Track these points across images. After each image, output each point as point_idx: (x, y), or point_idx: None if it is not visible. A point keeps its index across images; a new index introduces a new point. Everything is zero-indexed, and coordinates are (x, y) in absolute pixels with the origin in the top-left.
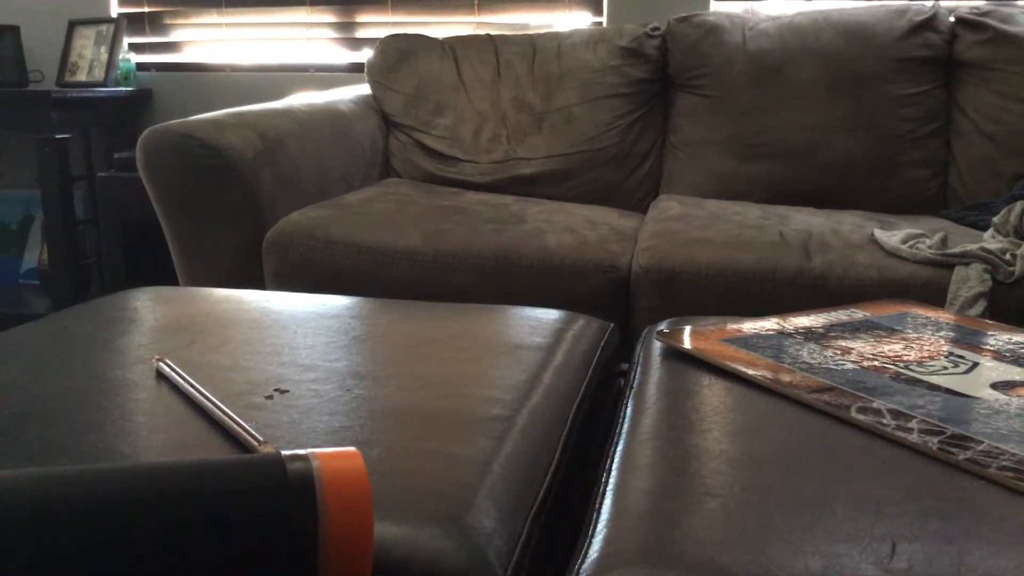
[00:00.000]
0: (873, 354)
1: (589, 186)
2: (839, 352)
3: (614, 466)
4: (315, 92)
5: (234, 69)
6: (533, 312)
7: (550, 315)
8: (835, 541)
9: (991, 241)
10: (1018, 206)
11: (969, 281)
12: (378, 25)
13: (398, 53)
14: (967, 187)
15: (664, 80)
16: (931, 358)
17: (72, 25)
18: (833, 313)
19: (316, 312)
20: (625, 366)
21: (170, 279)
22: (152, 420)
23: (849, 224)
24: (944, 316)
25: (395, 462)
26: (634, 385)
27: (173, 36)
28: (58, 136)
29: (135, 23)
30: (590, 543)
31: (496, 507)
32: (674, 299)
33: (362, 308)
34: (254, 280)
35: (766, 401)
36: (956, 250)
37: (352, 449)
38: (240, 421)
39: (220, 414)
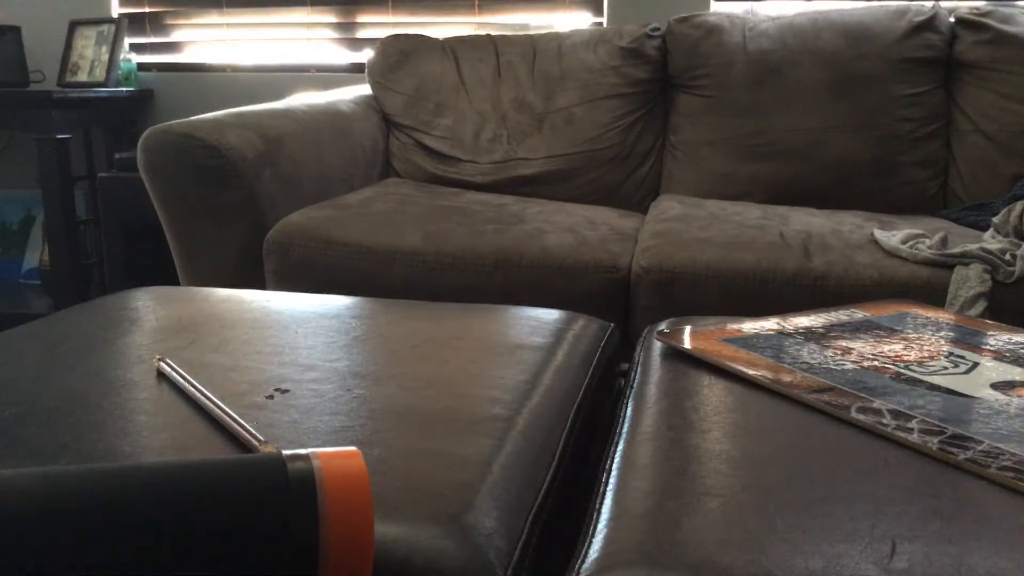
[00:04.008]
0: (873, 354)
1: (589, 186)
2: (839, 352)
3: (614, 466)
4: (316, 92)
5: (235, 69)
6: (533, 312)
7: (550, 315)
8: (835, 541)
9: (991, 241)
10: (1018, 206)
11: (969, 281)
12: (378, 25)
13: (398, 53)
14: (967, 187)
15: (664, 80)
16: (931, 358)
17: (73, 25)
18: (833, 313)
19: (317, 312)
20: (625, 366)
21: (171, 279)
22: (153, 420)
23: (849, 224)
24: (944, 316)
25: (396, 462)
26: (634, 385)
27: (174, 36)
28: (59, 136)
29: (136, 23)
30: (590, 543)
31: (496, 507)
32: (674, 299)
33: (363, 308)
34: (255, 280)
35: (766, 401)
36: (956, 250)
37: (353, 449)
38: (241, 421)
39: (221, 414)
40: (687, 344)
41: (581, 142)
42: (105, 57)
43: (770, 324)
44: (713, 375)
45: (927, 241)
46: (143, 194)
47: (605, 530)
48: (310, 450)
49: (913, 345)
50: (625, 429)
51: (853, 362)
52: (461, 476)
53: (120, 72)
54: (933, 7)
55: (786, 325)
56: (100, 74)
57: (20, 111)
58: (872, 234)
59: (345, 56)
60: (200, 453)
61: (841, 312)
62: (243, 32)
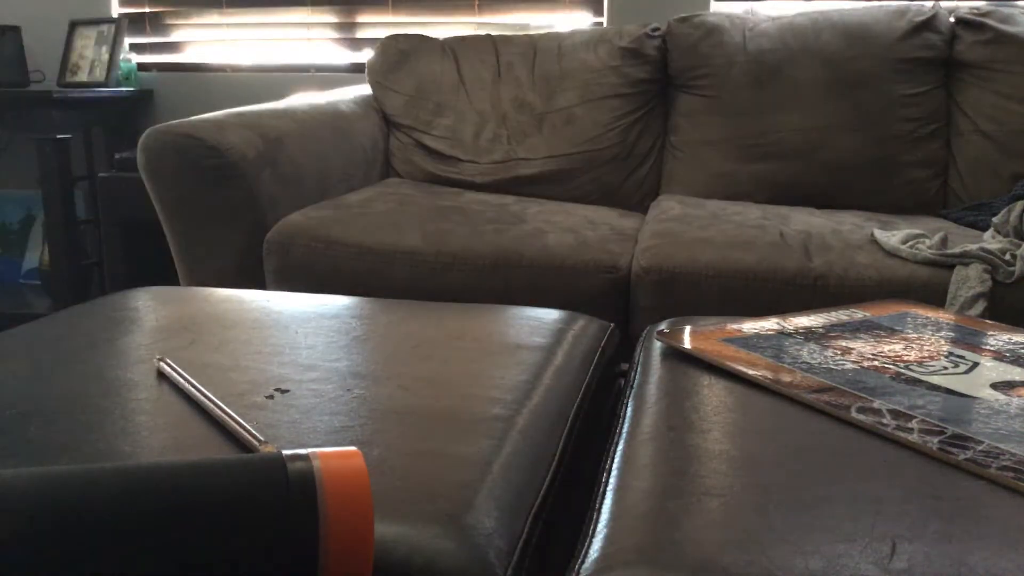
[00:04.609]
0: (873, 354)
1: (589, 186)
2: (839, 352)
3: (614, 466)
4: (316, 92)
5: (235, 69)
6: (534, 312)
7: (550, 315)
8: (835, 541)
9: (991, 241)
10: (1018, 206)
11: (969, 281)
12: (379, 25)
13: (399, 53)
14: (967, 187)
15: (664, 80)
16: (931, 358)
17: (73, 25)
18: (833, 313)
19: (317, 312)
20: (625, 366)
21: (171, 279)
22: (153, 420)
23: (849, 224)
24: (944, 316)
25: (396, 462)
26: (634, 385)
27: (174, 36)
28: (59, 136)
29: (136, 23)
30: (590, 543)
31: (496, 507)
32: (674, 299)
33: (363, 308)
34: (255, 280)
35: (766, 401)
36: (956, 250)
37: (353, 449)
38: (241, 421)
39: (221, 414)
40: (687, 344)
41: (581, 142)
42: (105, 57)
43: (770, 324)
44: (713, 375)
45: (927, 241)
46: (143, 194)
47: (605, 530)
48: (310, 450)
49: (913, 345)
50: (625, 429)
51: (853, 362)
52: (461, 476)
53: (120, 72)
54: (933, 7)
55: (786, 325)
56: (100, 74)
57: (20, 111)
58: (872, 234)
59: (345, 56)
60: (200, 453)
61: (841, 312)
62: (243, 32)
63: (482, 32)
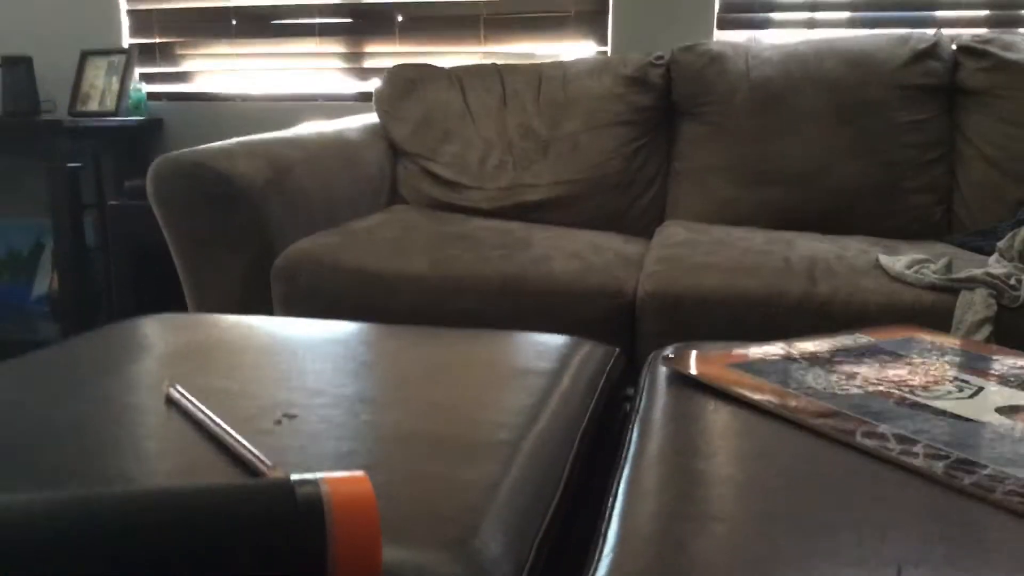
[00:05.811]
0: (878, 379)
1: (594, 212)
2: (844, 377)
3: (620, 491)
4: (324, 121)
5: (244, 99)
6: (539, 337)
7: (556, 340)
8: (841, 566)
9: (996, 266)
10: (1022, 231)
11: (974, 306)
12: (386, 55)
13: (405, 82)
14: (971, 213)
15: (668, 108)
16: (936, 383)
17: (84, 55)
18: (838, 338)
19: (324, 338)
20: (631, 391)
21: (180, 306)
22: (162, 445)
23: (854, 250)
24: (949, 341)
25: (403, 486)
26: (640, 410)
27: (184, 66)
28: (69, 165)
29: (146, 53)
30: (596, 568)
31: (503, 531)
32: (680, 324)
33: (370, 334)
34: (263, 306)
35: (772, 426)
36: (961, 275)
37: (360, 473)
38: (249, 446)
39: (230, 439)
40: (693, 369)
41: (586, 168)
42: (116, 87)
43: (775, 349)
44: (719, 400)
45: (932, 266)
46: (152, 222)
47: (611, 555)
48: (318, 475)
49: (918, 370)
50: (631, 454)
51: (858, 387)
52: (468, 500)
53: (130, 101)
54: (935, 35)
55: (791, 350)
56: (111, 103)
57: (31, 139)
58: (877, 259)
59: (353, 85)
60: (209, 478)
61: (846, 337)
62: (252, 62)
63: (488, 61)
